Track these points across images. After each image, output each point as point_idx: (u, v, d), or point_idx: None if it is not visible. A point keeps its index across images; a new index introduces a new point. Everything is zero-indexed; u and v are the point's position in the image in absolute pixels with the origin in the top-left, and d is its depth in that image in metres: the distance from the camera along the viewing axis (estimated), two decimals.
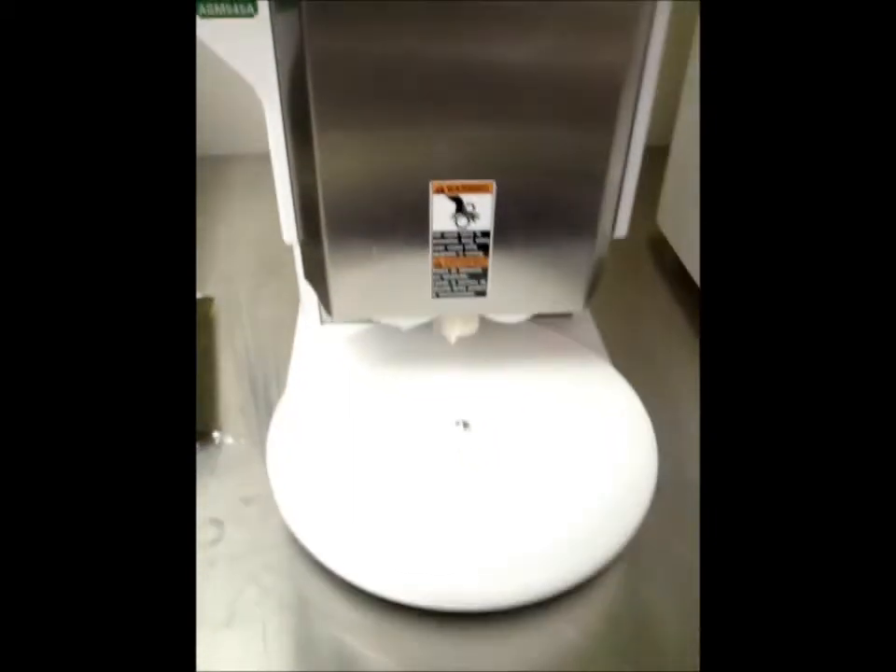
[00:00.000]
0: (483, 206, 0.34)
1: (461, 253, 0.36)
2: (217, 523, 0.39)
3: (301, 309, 0.50)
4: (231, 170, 0.71)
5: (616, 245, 0.40)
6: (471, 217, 0.34)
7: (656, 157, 0.56)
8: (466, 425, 0.41)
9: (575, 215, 0.35)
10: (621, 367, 0.45)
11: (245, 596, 0.35)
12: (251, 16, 0.31)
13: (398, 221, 0.35)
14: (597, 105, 0.32)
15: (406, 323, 0.41)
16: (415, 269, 0.36)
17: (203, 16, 0.31)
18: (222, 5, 0.31)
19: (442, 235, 0.35)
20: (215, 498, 0.40)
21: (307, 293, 0.47)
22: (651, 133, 0.36)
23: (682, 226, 0.57)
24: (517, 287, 0.37)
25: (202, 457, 0.42)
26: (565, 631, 0.34)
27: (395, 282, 0.37)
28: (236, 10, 0.31)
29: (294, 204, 0.37)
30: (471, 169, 0.33)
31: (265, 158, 0.36)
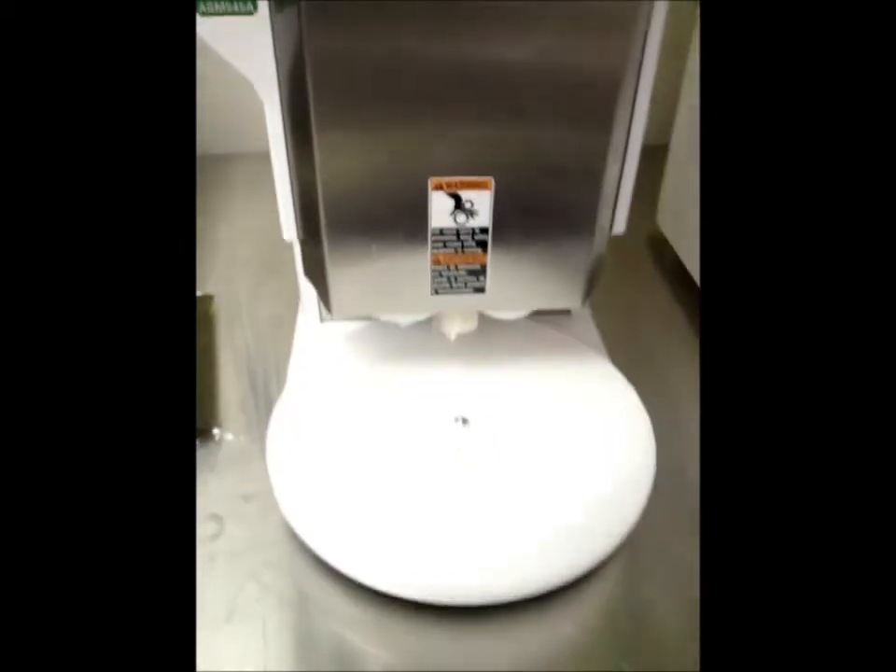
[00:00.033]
0: (482, 203, 0.34)
1: (460, 250, 0.36)
2: (216, 519, 0.39)
3: (300, 307, 0.50)
4: (232, 169, 0.71)
5: (616, 243, 0.40)
6: (470, 213, 0.34)
7: (655, 155, 0.56)
8: (465, 421, 0.41)
9: (573, 212, 0.36)
10: (620, 365, 0.45)
11: (244, 592, 0.36)
12: (251, 13, 0.31)
13: (397, 218, 0.35)
14: (595, 104, 0.32)
15: (405, 320, 0.42)
16: (414, 266, 0.36)
17: (203, 14, 0.31)
18: (222, 2, 0.31)
19: (441, 232, 0.35)
20: (215, 495, 0.40)
21: (307, 291, 0.47)
22: (650, 131, 0.36)
23: (682, 225, 0.57)
24: (516, 284, 0.37)
25: (202, 454, 0.42)
26: (563, 626, 0.35)
27: (394, 279, 0.37)
28: (236, 8, 0.31)
29: (294, 202, 0.37)
30: (470, 167, 0.33)
31: (265, 157, 0.36)
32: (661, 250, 0.60)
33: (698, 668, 0.32)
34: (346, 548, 0.35)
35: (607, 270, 0.41)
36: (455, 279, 0.37)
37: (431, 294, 0.37)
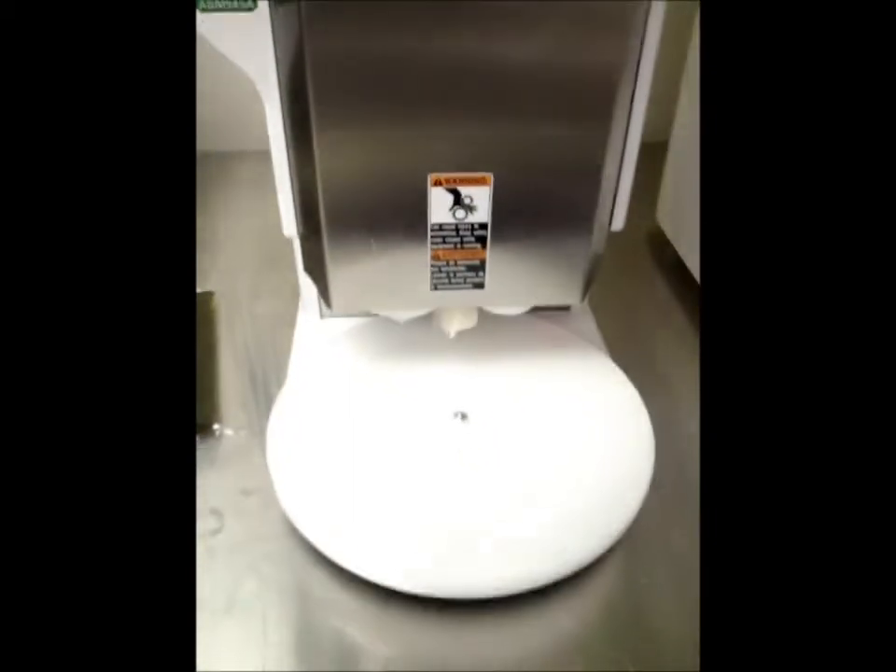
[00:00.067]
0: (481, 199, 0.34)
1: (459, 245, 0.36)
2: (217, 514, 0.39)
3: (300, 303, 0.50)
4: (233, 166, 0.71)
5: (615, 240, 0.40)
6: (469, 209, 0.35)
7: (655, 153, 0.56)
8: (464, 417, 0.41)
9: (572, 208, 0.36)
10: (619, 361, 0.45)
11: (245, 586, 0.36)
12: (251, 10, 0.31)
13: (396, 214, 0.35)
14: (593, 102, 0.32)
15: (404, 315, 0.42)
16: (414, 261, 0.36)
17: (203, 10, 0.31)
18: None
19: (440, 228, 0.35)
20: (215, 490, 0.40)
21: (307, 288, 0.47)
22: (650, 129, 0.37)
23: (681, 222, 0.57)
24: (515, 280, 0.38)
25: (202, 449, 0.43)
26: (563, 620, 0.35)
27: (394, 275, 0.37)
28: (235, 4, 0.31)
29: (294, 198, 0.37)
30: (469, 163, 0.34)
31: (266, 155, 0.36)
32: (660, 247, 0.60)
33: (698, 663, 0.32)
34: (346, 542, 0.35)
35: (606, 267, 0.41)
36: (455, 275, 0.37)
37: (430, 290, 0.37)
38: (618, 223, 0.39)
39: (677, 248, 0.57)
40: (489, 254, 0.36)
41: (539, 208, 0.35)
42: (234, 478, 0.41)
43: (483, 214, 0.35)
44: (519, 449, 0.40)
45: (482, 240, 0.36)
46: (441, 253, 0.36)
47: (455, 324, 0.42)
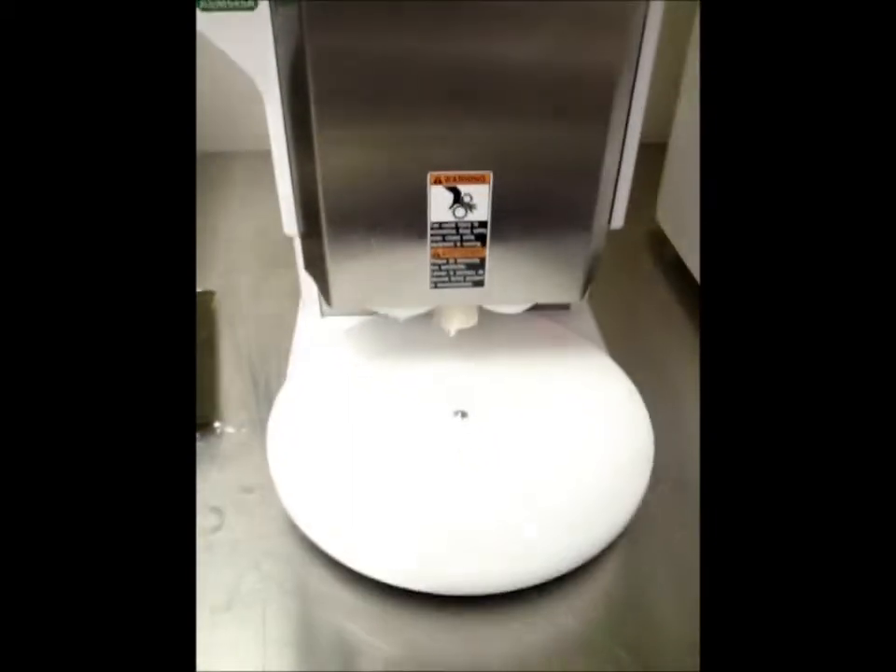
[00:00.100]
0: (481, 197, 0.34)
1: (459, 243, 0.36)
2: (217, 511, 0.39)
3: (301, 302, 0.50)
4: (234, 166, 0.71)
5: (615, 240, 0.40)
6: (469, 207, 0.35)
7: (655, 154, 0.57)
8: (464, 415, 0.41)
9: (571, 207, 0.36)
10: (619, 359, 0.45)
11: (245, 583, 0.36)
12: (251, 9, 0.32)
13: (396, 213, 0.35)
14: (592, 102, 0.33)
15: (404, 313, 0.42)
16: (414, 259, 0.36)
17: (204, 9, 0.31)
18: None
19: (440, 226, 0.35)
20: (216, 487, 0.40)
21: (307, 286, 0.48)
22: (650, 130, 0.37)
23: (681, 221, 0.57)
24: (515, 278, 0.38)
25: (203, 447, 0.43)
26: (562, 617, 0.35)
27: (394, 272, 0.37)
28: (236, 4, 0.31)
29: (294, 196, 0.38)
30: (469, 162, 0.34)
31: (266, 155, 0.36)
32: (660, 246, 0.60)
33: (698, 659, 0.32)
34: (346, 539, 0.35)
35: (606, 266, 0.41)
36: (454, 273, 0.37)
37: (430, 288, 0.38)
38: (617, 221, 0.39)
39: (676, 247, 0.58)
40: (489, 252, 0.37)
41: (539, 206, 0.35)
42: (235, 475, 0.41)
43: (482, 212, 0.35)
44: (519, 446, 0.40)
45: (481, 238, 0.36)
46: (440, 251, 0.36)
47: (456, 323, 0.42)
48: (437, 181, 0.34)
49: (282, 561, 0.37)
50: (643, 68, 0.34)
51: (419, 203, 0.35)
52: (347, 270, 0.37)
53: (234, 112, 0.66)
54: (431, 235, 0.36)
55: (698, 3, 0.26)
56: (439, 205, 0.35)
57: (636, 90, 0.35)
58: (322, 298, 0.42)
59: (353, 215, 0.35)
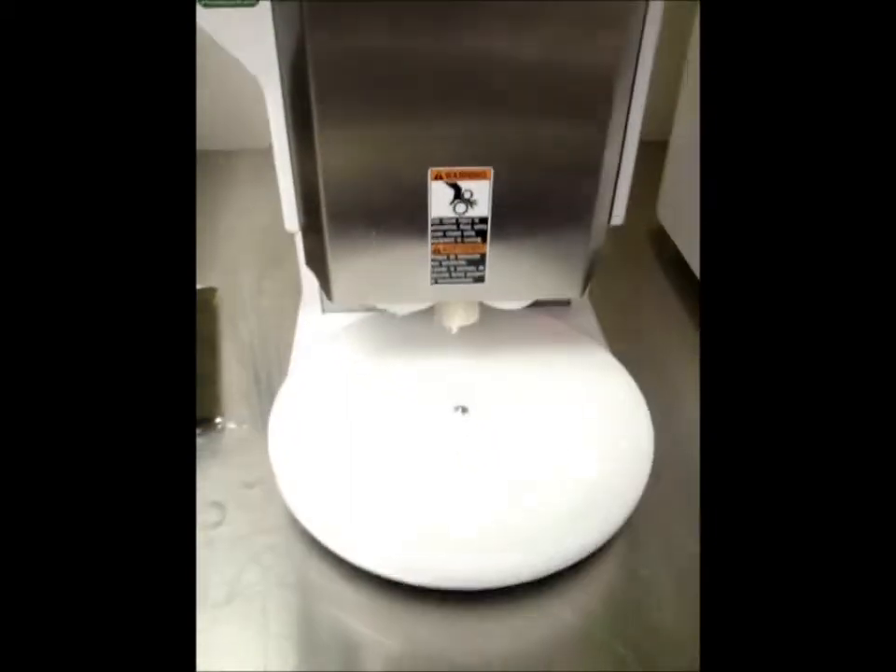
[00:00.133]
0: (481, 193, 0.35)
1: (459, 239, 0.36)
2: (219, 506, 0.39)
3: (302, 299, 0.50)
4: (236, 164, 0.71)
5: (616, 236, 0.41)
6: (469, 203, 0.35)
7: (656, 152, 0.57)
8: (465, 410, 0.41)
9: (572, 204, 0.36)
10: (619, 355, 0.45)
11: (246, 578, 0.36)
12: (252, 5, 0.32)
13: (397, 209, 0.35)
14: (592, 100, 0.33)
15: (403, 309, 0.42)
16: (414, 255, 0.37)
17: (206, 5, 0.32)
18: None
19: (441, 222, 0.35)
20: (217, 482, 0.40)
21: (308, 283, 0.48)
22: (651, 128, 0.37)
23: (681, 218, 0.57)
24: (515, 274, 0.38)
25: (204, 442, 0.43)
26: (562, 611, 0.35)
27: (394, 268, 0.37)
28: (238, 0, 0.32)
29: (295, 192, 0.38)
30: (469, 159, 0.34)
31: (268, 153, 0.36)
32: (661, 243, 0.60)
33: (698, 654, 0.32)
34: (347, 534, 0.36)
35: (607, 262, 0.41)
36: (455, 269, 0.37)
37: (431, 283, 0.38)
38: (618, 218, 0.39)
39: (677, 244, 0.58)
40: (489, 248, 0.37)
41: (539, 203, 0.36)
42: (236, 471, 0.41)
43: (483, 208, 0.35)
44: (519, 442, 0.40)
45: (482, 234, 0.36)
46: (441, 247, 0.36)
47: (458, 320, 0.43)
48: (437, 177, 0.34)
49: (283, 556, 0.37)
50: (643, 67, 0.34)
51: (420, 199, 0.35)
52: (348, 265, 0.37)
53: (237, 110, 0.66)
54: (432, 231, 0.36)
55: (698, 2, 0.26)
56: (439, 201, 0.35)
57: (636, 88, 0.35)
58: (323, 294, 0.42)
59: (354, 211, 0.35)
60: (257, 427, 0.44)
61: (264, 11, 0.32)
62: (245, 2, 0.32)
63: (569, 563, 0.35)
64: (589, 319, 0.49)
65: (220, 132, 0.71)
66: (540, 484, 0.38)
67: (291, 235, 0.42)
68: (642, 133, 0.37)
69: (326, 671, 0.33)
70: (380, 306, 0.43)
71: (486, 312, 0.43)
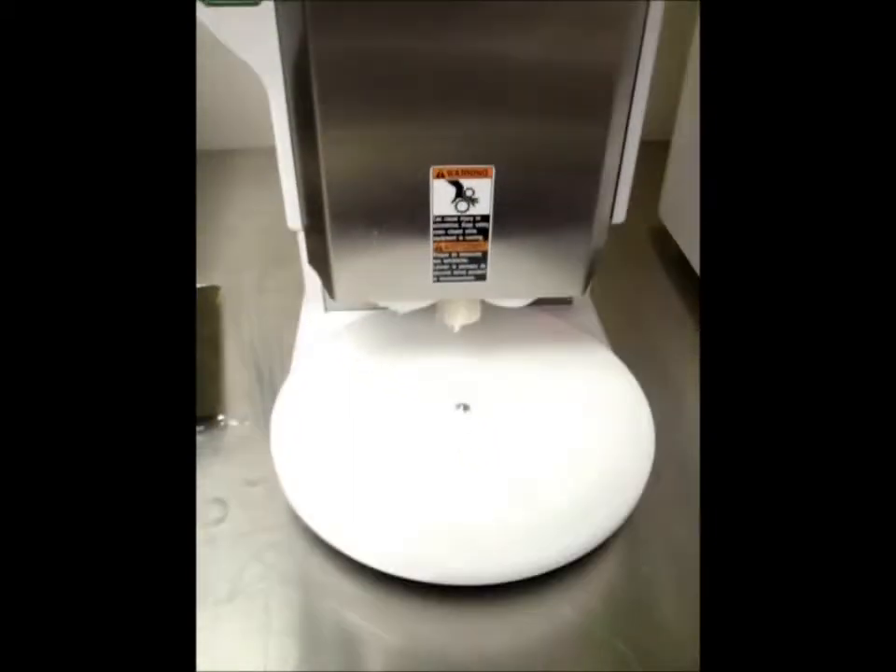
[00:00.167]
0: (483, 191, 0.35)
1: (461, 237, 0.36)
2: (221, 503, 0.39)
3: (305, 297, 0.50)
4: (238, 163, 0.71)
5: (618, 235, 0.41)
6: (471, 201, 0.35)
7: (657, 151, 0.57)
8: (466, 408, 0.41)
9: (573, 202, 0.36)
10: (621, 354, 0.45)
11: (248, 574, 0.36)
12: (255, 4, 0.32)
13: (399, 207, 0.35)
14: (593, 100, 0.33)
15: (404, 307, 0.42)
16: (416, 253, 0.37)
17: (209, 4, 0.32)
18: None
19: (443, 219, 0.36)
20: (219, 479, 0.41)
21: (311, 281, 0.48)
22: (653, 128, 0.37)
23: (683, 218, 0.57)
24: (517, 272, 0.38)
25: (207, 440, 0.43)
26: (562, 608, 0.35)
27: (396, 266, 0.37)
28: None
29: (298, 191, 0.38)
30: (471, 158, 0.34)
31: (271, 152, 0.37)
32: (663, 242, 0.60)
33: (698, 651, 0.32)
34: (349, 531, 0.36)
35: (609, 261, 0.41)
36: (457, 266, 0.37)
37: (433, 281, 0.38)
38: (619, 216, 0.39)
39: (679, 244, 0.58)
40: (491, 246, 0.37)
41: (541, 201, 0.36)
42: (239, 468, 0.41)
43: (484, 206, 0.35)
44: (520, 439, 0.40)
45: (483, 232, 0.36)
46: (443, 245, 0.37)
47: (460, 318, 0.43)
48: (439, 175, 0.34)
49: (285, 552, 0.37)
50: (644, 67, 0.34)
51: (422, 198, 0.35)
52: (350, 264, 0.37)
53: (240, 110, 0.66)
54: (434, 229, 0.36)
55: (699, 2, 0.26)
56: (441, 199, 0.35)
57: (636, 88, 0.35)
58: (326, 292, 0.43)
59: (356, 209, 0.35)
60: (259, 424, 0.44)
61: (268, 11, 0.32)
62: (248, 1, 0.32)
63: (570, 560, 0.35)
64: (590, 318, 0.50)
65: (224, 131, 0.71)
66: (541, 482, 0.38)
67: (294, 234, 0.42)
68: (644, 132, 0.37)
69: (328, 667, 0.33)
70: (381, 304, 0.43)
71: (488, 310, 0.43)
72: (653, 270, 0.59)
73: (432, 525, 0.36)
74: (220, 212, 0.65)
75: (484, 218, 0.36)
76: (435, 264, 0.37)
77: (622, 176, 0.38)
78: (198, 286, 0.54)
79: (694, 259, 0.55)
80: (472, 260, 0.37)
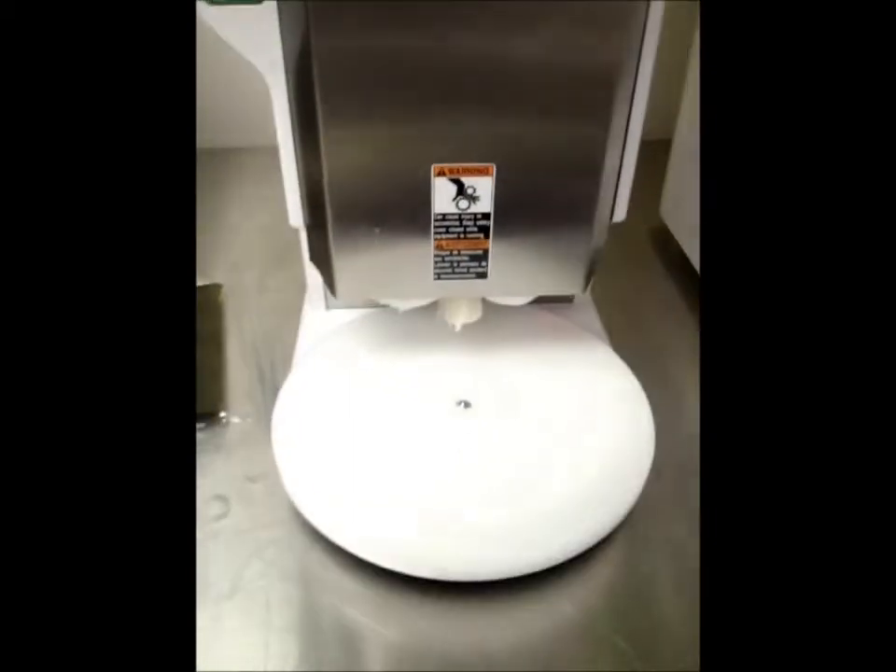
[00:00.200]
0: (484, 189, 0.35)
1: (462, 235, 0.36)
2: (222, 499, 0.39)
3: (306, 295, 0.50)
4: (241, 162, 0.72)
5: (620, 235, 0.41)
6: (472, 199, 0.35)
7: (659, 150, 0.57)
8: (467, 405, 0.42)
9: (574, 201, 0.36)
10: (622, 353, 0.46)
11: (248, 569, 0.36)
12: (257, 3, 0.32)
13: (400, 205, 0.36)
14: (594, 100, 0.33)
15: (405, 305, 0.42)
16: (418, 251, 0.37)
17: (212, 3, 0.32)
18: None
19: (444, 217, 0.36)
20: (221, 476, 0.41)
21: (313, 280, 0.48)
22: (654, 127, 0.37)
23: (684, 217, 0.57)
24: (517, 269, 0.38)
25: (208, 436, 0.43)
26: (562, 605, 0.35)
27: (398, 264, 0.37)
28: None
29: (300, 190, 0.38)
30: (472, 156, 0.34)
31: (273, 150, 0.37)
32: (664, 241, 0.61)
33: (697, 648, 0.32)
34: (350, 527, 0.36)
35: (610, 260, 0.42)
36: (458, 264, 0.37)
37: (434, 279, 0.38)
38: (620, 215, 0.40)
39: (680, 243, 0.58)
40: (492, 244, 0.37)
41: (542, 199, 0.36)
42: (240, 465, 0.41)
43: (485, 204, 0.35)
44: (521, 437, 0.40)
45: (484, 230, 0.36)
46: (444, 243, 0.37)
47: (461, 317, 0.43)
48: (440, 173, 0.34)
49: (286, 548, 0.37)
50: (644, 66, 0.34)
51: (423, 196, 0.35)
52: (352, 261, 0.37)
53: (243, 108, 0.66)
54: (435, 227, 0.36)
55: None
56: (442, 197, 0.35)
57: (637, 87, 0.35)
58: (327, 290, 0.43)
59: (358, 207, 0.35)
60: (260, 421, 0.44)
61: (271, 11, 0.32)
62: (251, 0, 0.32)
63: (570, 556, 0.35)
64: (591, 316, 0.50)
65: (226, 130, 0.71)
66: (541, 478, 0.38)
67: (296, 232, 0.43)
68: (645, 131, 0.37)
69: (328, 663, 0.33)
70: (382, 302, 0.43)
71: (488, 308, 0.43)
72: (654, 270, 0.59)
73: (432, 522, 0.36)
74: (222, 210, 0.66)
75: (485, 216, 0.36)
76: (436, 262, 0.37)
77: (622, 176, 0.38)
78: (200, 284, 0.55)
79: (695, 259, 0.55)
80: (473, 258, 0.37)
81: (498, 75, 0.32)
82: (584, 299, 0.51)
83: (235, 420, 0.44)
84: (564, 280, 0.39)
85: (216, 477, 0.41)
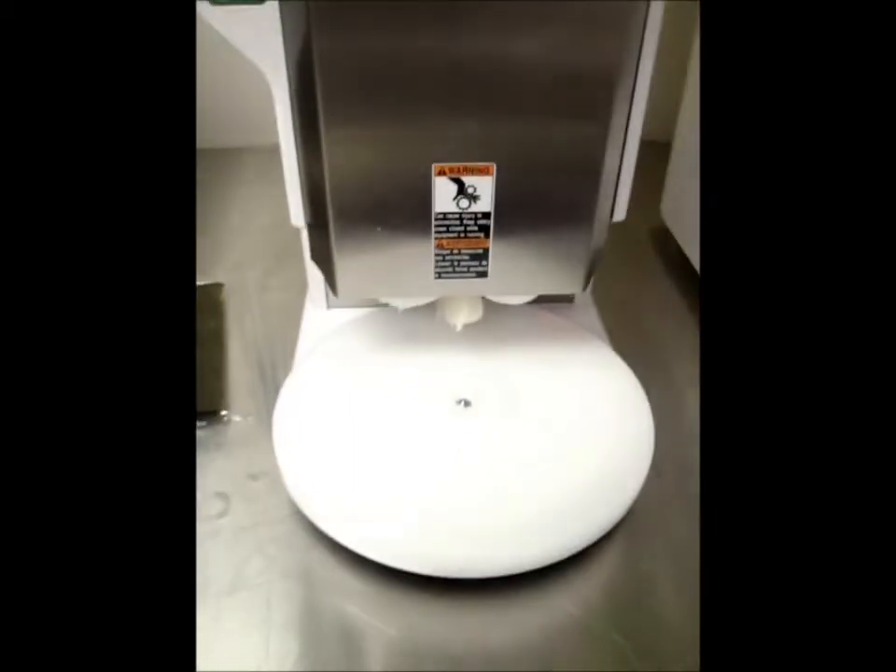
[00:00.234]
0: (484, 188, 0.35)
1: (462, 234, 0.36)
2: (223, 497, 0.40)
3: (308, 294, 0.51)
4: (243, 161, 0.72)
5: (620, 235, 0.41)
6: (472, 198, 0.35)
7: (659, 152, 0.57)
8: (467, 404, 0.42)
9: (574, 200, 0.36)
10: (622, 352, 0.46)
11: (249, 567, 0.36)
12: (259, 2, 0.32)
13: (401, 204, 0.36)
14: (593, 100, 0.33)
15: (405, 304, 0.42)
16: (418, 250, 0.37)
17: (214, 2, 0.32)
18: None
19: (444, 217, 0.36)
20: (222, 474, 0.41)
21: (314, 279, 0.48)
22: (655, 128, 0.37)
23: (684, 217, 0.57)
24: (518, 268, 0.38)
25: (209, 434, 0.43)
26: (562, 602, 0.35)
27: (398, 263, 0.38)
28: None
29: (301, 188, 0.38)
30: (472, 156, 0.34)
31: (275, 150, 0.37)
32: (664, 242, 0.61)
33: (697, 646, 0.32)
34: (351, 524, 0.36)
35: (610, 261, 0.42)
36: (458, 263, 0.38)
37: (434, 278, 0.38)
38: (620, 214, 0.40)
39: (680, 243, 0.58)
40: (492, 243, 0.37)
41: (542, 199, 0.36)
42: (241, 462, 0.42)
43: (486, 203, 0.36)
44: (521, 435, 0.40)
45: (485, 229, 0.36)
46: (444, 242, 0.37)
47: (462, 317, 0.43)
48: (441, 172, 0.34)
49: (286, 546, 0.37)
50: (644, 67, 0.34)
51: (423, 195, 0.35)
52: (353, 260, 0.37)
53: (244, 108, 0.67)
54: (435, 226, 0.36)
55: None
56: (443, 196, 0.35)
57: (637, 88, 0.35)
58: (328, 289, 0.43)
59: (359, 206, 0.36)
60: (261, 419, 0.44)
61: (273, 11, 0.32)
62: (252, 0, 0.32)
63: (570, 553, 0.36)
64: (592, 316, 0.50)
65: (227, 129, 0.72)
66: (542, 477, 0.38)
67: (297, 232, 0.43)
68: (645, 132, 0.37)
69: (329, 660, 0.33)
70: (383, 300, 0.43)
71: (489, 308, 0.43)
72: (654, 269, 0.59)
73: (433, 519, 0.36)
74: (224, 210, 0.66)
75: (486, 216, 0.36)
76: (437, 261, 0.37)
77: (622, 175, 0.38)
78: (201, 283, 0.55)
79: (695, 259, 0.55)
80: (474, 257, 0.37)
81: (499, 75, 0.32)
82: (584, 299, 0.51)
83: (236, 418, 0.45)
84: (564, 279, 0.39)
85: (216, 475, 0.41)
